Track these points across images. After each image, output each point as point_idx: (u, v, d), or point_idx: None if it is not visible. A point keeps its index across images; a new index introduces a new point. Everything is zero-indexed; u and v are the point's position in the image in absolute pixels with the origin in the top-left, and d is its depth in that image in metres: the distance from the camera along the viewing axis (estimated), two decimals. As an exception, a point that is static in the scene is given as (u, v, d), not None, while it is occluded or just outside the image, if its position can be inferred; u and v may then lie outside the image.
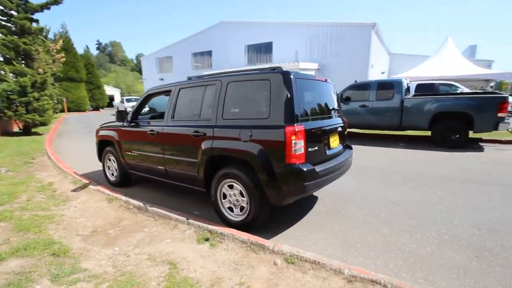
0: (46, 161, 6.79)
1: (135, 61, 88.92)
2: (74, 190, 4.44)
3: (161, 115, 5.40)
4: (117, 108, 24.95)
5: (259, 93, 2.88)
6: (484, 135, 7.81)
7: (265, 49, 20.41)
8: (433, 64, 15.24)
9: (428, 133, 8.18)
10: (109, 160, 4.83)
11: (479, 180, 4.59)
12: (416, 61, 17.72)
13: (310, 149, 2.74)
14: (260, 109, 2.82)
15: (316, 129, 2.86)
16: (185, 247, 2.68)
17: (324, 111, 3.19)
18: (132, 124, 4.25)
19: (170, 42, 26.74)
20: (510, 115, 6.90)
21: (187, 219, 3.10)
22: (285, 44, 19.11)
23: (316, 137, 2.88)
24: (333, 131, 3.20)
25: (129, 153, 4.27)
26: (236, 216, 3.05)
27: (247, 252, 2.53)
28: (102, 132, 4.90)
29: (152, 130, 3.80)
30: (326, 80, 3.46)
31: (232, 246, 2.64)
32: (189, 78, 3.72)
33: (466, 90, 11.20)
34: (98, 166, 5.87)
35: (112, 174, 4.84)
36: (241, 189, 2.92)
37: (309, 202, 3.81)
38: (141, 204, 3.59)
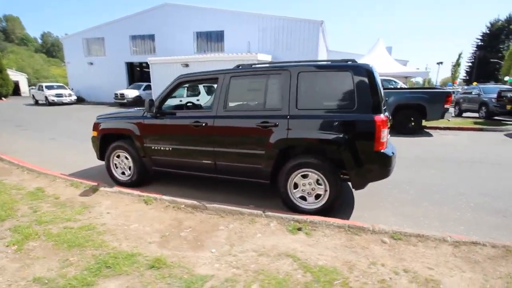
0: (-4, 163, 5.35)
1: (40, 41, 74.09)
2: (83, 195, 3.71)
3: (187, 106, 4.94)
4: (33, 98, 20.53)
5: (339, 84, 2.98)
6: (428, 123, 9.54)
7: (216, 37, 19.81)
8: (367, 61, 17.43)
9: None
10: (117, 157, 4.18)
11: (449, 159, 5.70)
12: (351, 58, 19.90)
13: (388, 137, 3.02)
14: (342, 100, 2.95)
15: (388, 119, 3.15)
16: (283, 239, 2.66)
17: None
18: (158, 115, 3.78)
19: (95, 21, 23.28)
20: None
21: (264, 212, 3.03)
22: (237, 34, 18.91)
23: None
24: None
25: (158, 148, 3.79)
26: (310, 204, 3.14)
27: (349, 236, 2.67)
28: (106, 125, 4.19)
29: (197, 121, 3.47)
30: None
31: (330, 232, 2.74)
32: (238, 66, 3.52)
33: (403, 85, 13.29)
34: (72, 167, 5.13)
35: (123, 173, 4.20)
36: (318, 178, 3.02)
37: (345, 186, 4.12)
38: (195, 202, 3.30)
